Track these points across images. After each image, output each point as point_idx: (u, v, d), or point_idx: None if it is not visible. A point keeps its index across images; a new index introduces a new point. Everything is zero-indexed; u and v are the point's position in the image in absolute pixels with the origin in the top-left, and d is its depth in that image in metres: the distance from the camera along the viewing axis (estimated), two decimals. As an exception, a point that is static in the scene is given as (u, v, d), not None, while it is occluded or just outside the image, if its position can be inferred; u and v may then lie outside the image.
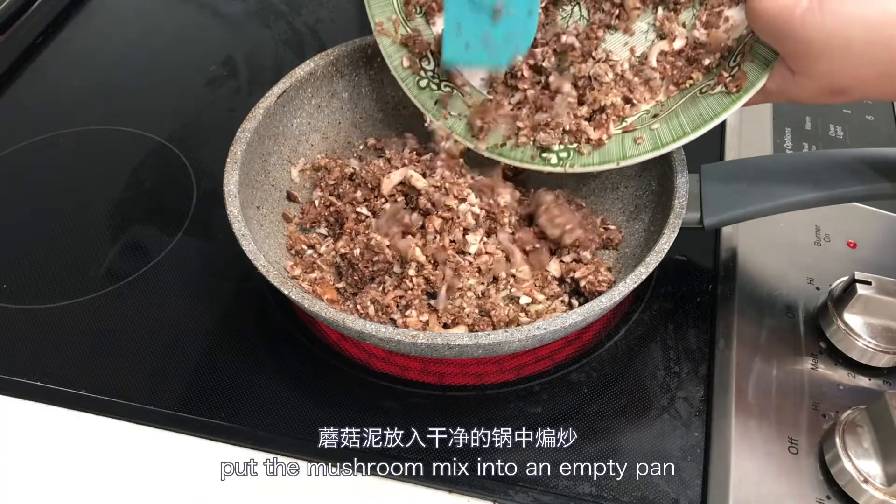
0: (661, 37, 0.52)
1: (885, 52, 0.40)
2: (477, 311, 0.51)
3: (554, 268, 0.53)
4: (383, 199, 0.55)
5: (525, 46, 0.53)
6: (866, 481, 0.43)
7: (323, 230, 0.59)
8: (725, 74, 0.48)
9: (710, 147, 0.67)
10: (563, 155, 0.54)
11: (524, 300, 0.52)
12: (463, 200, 0.53)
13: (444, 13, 0.52)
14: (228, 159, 0.54)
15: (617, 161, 0.52)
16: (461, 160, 0.56)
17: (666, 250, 0.49)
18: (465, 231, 0.53)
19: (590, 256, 0.55)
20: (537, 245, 0.54)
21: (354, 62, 0.62)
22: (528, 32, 0.52)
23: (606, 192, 0.60)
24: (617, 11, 0.52)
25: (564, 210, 0.56)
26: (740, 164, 0.57)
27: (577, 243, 0.54)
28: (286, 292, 0.47)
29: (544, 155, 0.54)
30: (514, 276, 0.53)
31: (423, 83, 0.57)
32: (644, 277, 0.48)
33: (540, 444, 0.49)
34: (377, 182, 0.56)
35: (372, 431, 0.50)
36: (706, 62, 0.50)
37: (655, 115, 0.51)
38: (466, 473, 0.48)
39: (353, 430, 0.50)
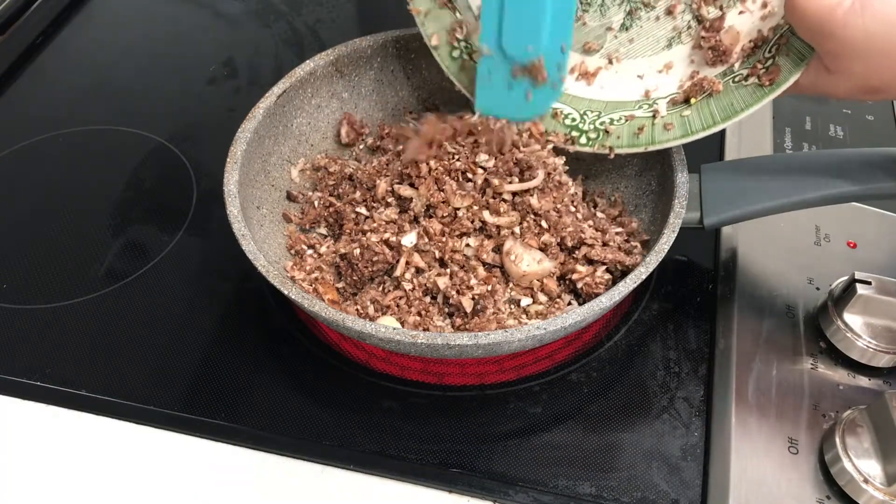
0: (698, 20, 0.52)
1: None
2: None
3: (551, 265, 0.53)
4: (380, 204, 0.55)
5: (546, 109, 0.52)
6: (866, 481, 0.43)
7: (323, 230, 0.59)
8: (759, 66, 0.48)
9: (710, 147, 0.67)
10: (593, 136, 0.54)
11: (525, 301, 0.52)
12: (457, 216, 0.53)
13: (479, 61, 0.50)
14: (228, 159, 0.54)
15: (645, 146, 0.52)
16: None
17: (666, 250, 0.49)
18: (463, 235, 0.53)
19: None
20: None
21: (354, 62, 0.62)
22: (555, 94, 0.50)
23: (606, 193, 0.60)
24: None
25: (564, 211, 0.56)
26: (740, 164, 0.57)
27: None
28: (286, 292, 0.47)
29: (574, 134, 0.55)
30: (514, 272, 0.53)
31: (456, 53, 0.57)
32: (644, 277, 0.48)
33: (540, 443, 0.49)
34: (373, 183, 0.56)
35: (372, 431, 0.50)
36: (720, 68, 0.50)
37: (686, 101, 0.52)
38: (466, 473, 0.48)
39: (353, 429, 0.50)
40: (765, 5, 0.49)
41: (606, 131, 0.54)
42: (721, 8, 0.51)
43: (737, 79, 0.50)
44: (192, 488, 0.48)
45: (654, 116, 0.53)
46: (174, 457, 0.50)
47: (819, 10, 0.41)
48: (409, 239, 0.52)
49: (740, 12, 0.50)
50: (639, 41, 0.54)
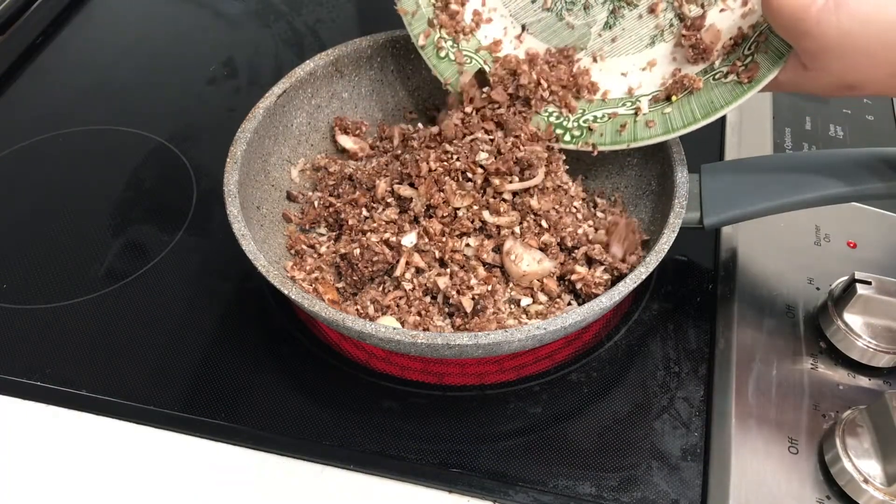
0: (680, 18, 0.52)
1: None
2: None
3: (551, 265, 0.53)
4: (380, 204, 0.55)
5: None
6: (866, 481, 0.43)
7: (323, 230, 0.59)
8: (739, 63, 0.49)
9: (709, 147, 0.67)
10: (577, 133, 0.55)
11: (525, 301, 0.52)
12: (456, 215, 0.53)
13: None
14: (228, 159, 0.54)
15: (628, 143, 0.53)
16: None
17: (666, 250, 0.49)
18: (463, 235, 0.53)
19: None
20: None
21: (354, 62, 0.62)
22: None
23: (606, 193, 0.60)
24: None
25: (564, 211, 0.56)
26: (740, 164, 0.57)
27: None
28: (286, 292, 0.47)
29: (558, 132, 0.55)
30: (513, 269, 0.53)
31: (443, 53, 0.58)
32: (644, 277, 0.48)
33: (540, 443, 0.49)
34: (372, 183, 0.56)
35: (372, 431, 0.50)
36: (701, 66, 0.50)
37: (668, 98, 0.52)
38: (466, 473, 0.48)
39: (353, 429, 0.50)
40: (745, 3, 0.49)
41: (590, 129, 0.54)
42: (702, 6, 0.51)
43: (717, 76, 0.50)
44: (192, 488, 0.48)
45: (636, 114, 0.53)
46: (174, 457, 0.50)
47: (793, 9, 0.42)
48: (409, 239, 0.52)
49: (721, 10, 0.50)
50: (622, 39, 0.54)
